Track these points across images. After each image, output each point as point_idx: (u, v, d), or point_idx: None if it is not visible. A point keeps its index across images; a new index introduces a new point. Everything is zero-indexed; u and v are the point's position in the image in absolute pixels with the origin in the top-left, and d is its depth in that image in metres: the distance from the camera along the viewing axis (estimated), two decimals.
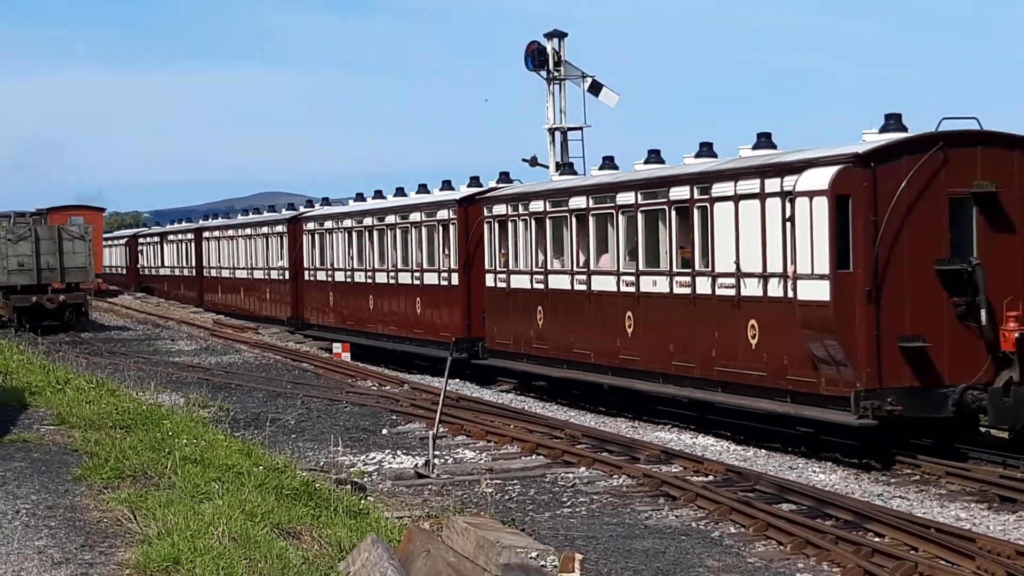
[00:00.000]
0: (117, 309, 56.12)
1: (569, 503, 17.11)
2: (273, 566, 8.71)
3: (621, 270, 25.69)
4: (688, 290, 23.45)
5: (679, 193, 23.82)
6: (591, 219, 26.90)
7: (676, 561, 13.81)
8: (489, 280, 31.06)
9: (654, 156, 26.62)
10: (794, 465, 20.11)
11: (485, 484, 17.83)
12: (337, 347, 38.44)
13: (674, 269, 23.95)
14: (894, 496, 17.59)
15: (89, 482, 11.56)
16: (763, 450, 21.52)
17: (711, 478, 18.44)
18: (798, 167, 20.70)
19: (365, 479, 18.10)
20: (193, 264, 61.21)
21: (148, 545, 9.07)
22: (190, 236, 61.20)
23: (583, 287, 27.12)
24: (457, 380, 31.09)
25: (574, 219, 27.51)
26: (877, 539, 14.52)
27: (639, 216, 25.22)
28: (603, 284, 26.42)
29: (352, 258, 40.07)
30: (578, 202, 27.45)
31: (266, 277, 49.60)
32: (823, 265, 19.70)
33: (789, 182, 20.61)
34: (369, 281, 38.45)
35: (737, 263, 21.99)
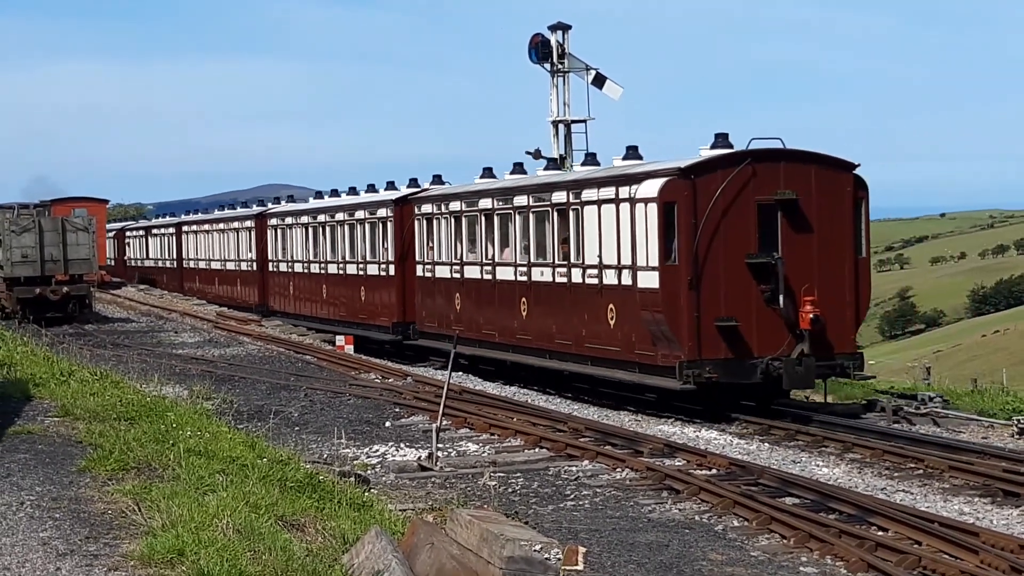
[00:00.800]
0: (120, 301, 56.14)
1: (572, 496, 17.12)
2: (277, 558, 8.71)
3: (518, 262, 29.88)
4: (566, 279, 27.65)
5: (559, 197, 28.09)
6: (496, 218, 31.13)
7: (679, 554, 13.81)
8: (419, 270, 35.31)
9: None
10: (797, 459, 20.12)
11: (488, 477, 17.84)
12: (340, 340, 38.48)
13: (556, 261, 28.11)
14: (897, 490, 17.59)
15: (93, 474, 11.57)
16: (766, 444, 21.56)
17: (714, 472, 18.45)
18: (639, 178, 24.96)
19: (369, 472, 18.11)
20: (175, 256, 66.16)
21: (152, 537, 9.08)
22: (172, 230, 66.01)
23: (489, 276, 31.26)
24: (395, 359, 35.92)
25: (483, 218, 31.67)
26: (881, 533, 14.52)
27: (531, 216, 29.42)
28: (505, 274, 30.54)
29: (308, 251, 44.54)
30: (486, 203, 31.62)
31: (236, 268, 54.25)
32: (654, 259, 24.06)
33: (633, 190, 24.85)
34: (322, 271, 43.18)
35: (600, 257, 25.98)
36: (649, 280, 24.34)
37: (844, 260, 24.83)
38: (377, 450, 20.50)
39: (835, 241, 24.70)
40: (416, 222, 35.61)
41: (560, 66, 40.84)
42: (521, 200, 29.82)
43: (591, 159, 30.61)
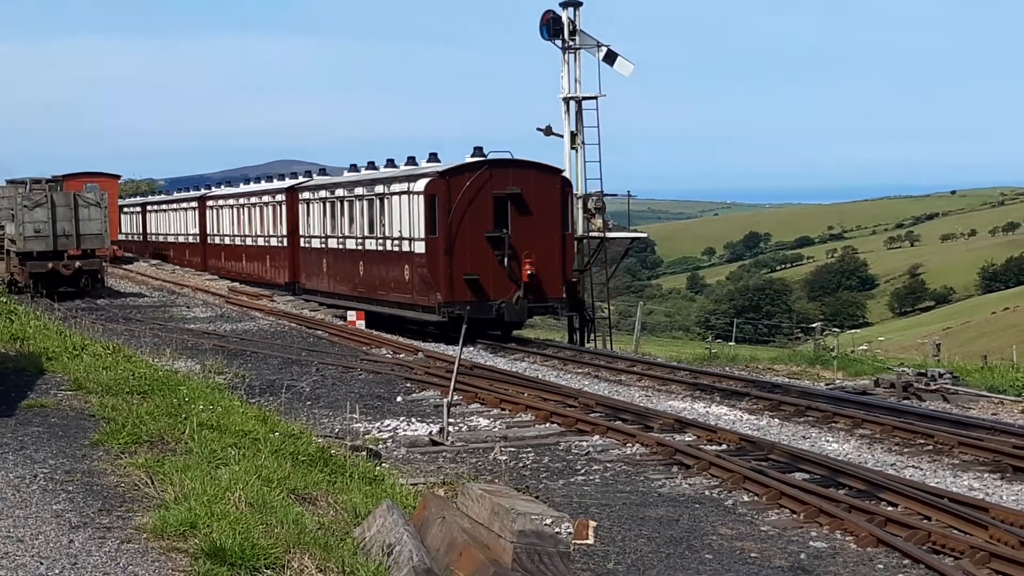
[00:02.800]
0: (132, 276, 56.23)
1: (583, 471, 17.16)
2: (289, 531, 8.75)
3: (357, 235, 40.97)
4: (382, 248, 38.83)
5: (378, 189, 39.22)
6: (346, 203, 41.98)
7: (689, 529, 13.85)
8: (302, 243, 46.77)
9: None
10: (807, 435, 20.15)
11: (499, 452, 17.89)
12: (351, 315, 38.59)
13: (376, 235, 39.27)
14: (907, 466, 17.61)
15: (106, 447, 11.61)
16: (776, 420, 21.61)
17: (724, 447, 18.48)
18: (416, 178, 36.73)
19: (380, 446, 18.17)
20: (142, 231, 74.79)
21: (165, 510, 9.12)
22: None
23: (342, 246, 42.32)
24: (289, 297, 46.12)
25: (339, 203, 42.62)
26: (890, 508, 14.55)
27: (364, 202, 40.23)
28: (351, 244, 41.56)
29: (234, 227, 57.21)
30: (340, 192, 42.75)
31: (186, 241, 65.83)
32: (422, 233, 35.58)
33: (412, 186, 36.37)
34: (242, 244, 55.96)
35: (400, 232, 37.23)
36: (421, 247, 35.86)
37: (554, 235, 36.03)
38: (388, 425, 20.55)
39: (548, 222, 35.85)
40: (299, 205, 47.16)
41: (571, 43, 40.76)
42: (359, 191, 40.76)
43: (390, 163, 42.65)
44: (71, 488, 10.04)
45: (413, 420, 20.99)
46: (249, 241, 54.30)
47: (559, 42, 40.85)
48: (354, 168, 47.11)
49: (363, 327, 37.10)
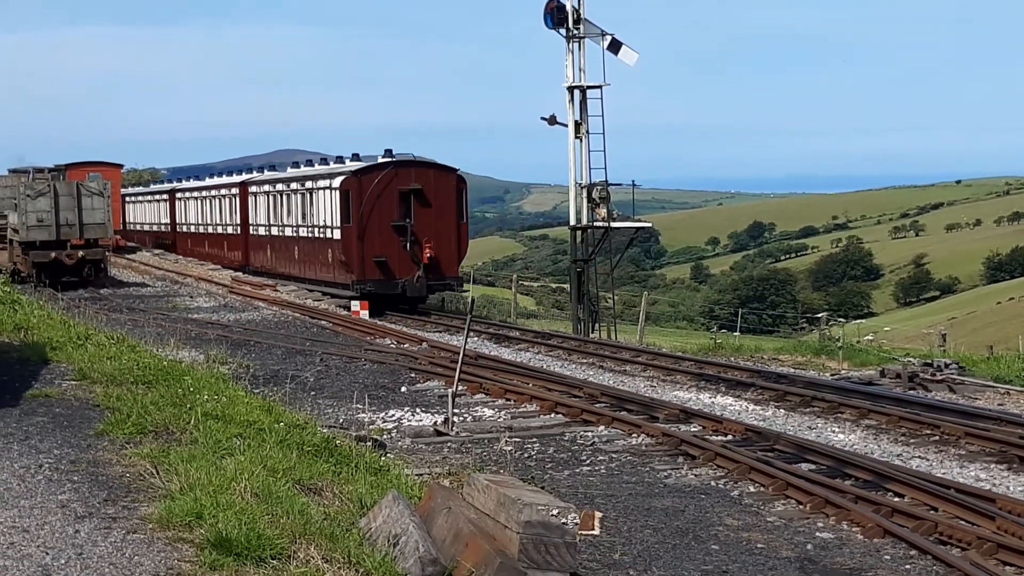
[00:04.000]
0: (135, 266, 56.25)
1: (588, 462, 17.13)
2: (295, 521, 8.72)
3: (292, 224, 47.88)
4: (311, 235, 45.41)
5: (308, 184, 45.88)
6: (284, 196, 48.90)
7: (695, 520, 13.83)
8: (252, 230, 53.75)
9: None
10: (813, 425, 20.12)
11: (504, 442, 17.86)
12: (356, 305, 38.62)
13: (306, 224, 45.80)
14: (913, 456, 17.57)
15: (111, 437, 11.58)
16: (782, 410, 21.58)
17: (730, 437, 18.46)
18: (334, 175, 43.11)
19: (385, 436, 18.15)
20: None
21: (171, 500, 9.09)
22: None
23: (281, 233, 49.34)
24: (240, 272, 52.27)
25: (279, 196, 49.47)
26: (896, 499, 14.52)
27: (298, 196, 47.10)
28: (289, 232, 48.40)
29: (199, 216, 63.54)
30: (280, 187, 49.75)
31: (159, 230, 71.93)
32: (339, 222, 41.76)
33: (331, 183, 42.76)
34: (203, 231, 62.73)
35: (323, 221, 43.58)
36: (338, 235, 42.16)
37: (451, 224, 41.99)
38: (393, 415, 20.53)
39: (445, 213, 41.87)
40: (249, 198, 53.84)
41: (575, 32, 40.68)
42: (295, 186, 47.69)
43: (323, 161, 50.40)
44: (76, 478, 10.01)
45: (418, 410, 20.97)
46: (211, 229, 60.96)
47: (563, 31, 40.78)
48: (295, 165, 53.86)
49: (367, 317, 37.09)
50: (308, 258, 45.63)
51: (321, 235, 43.94)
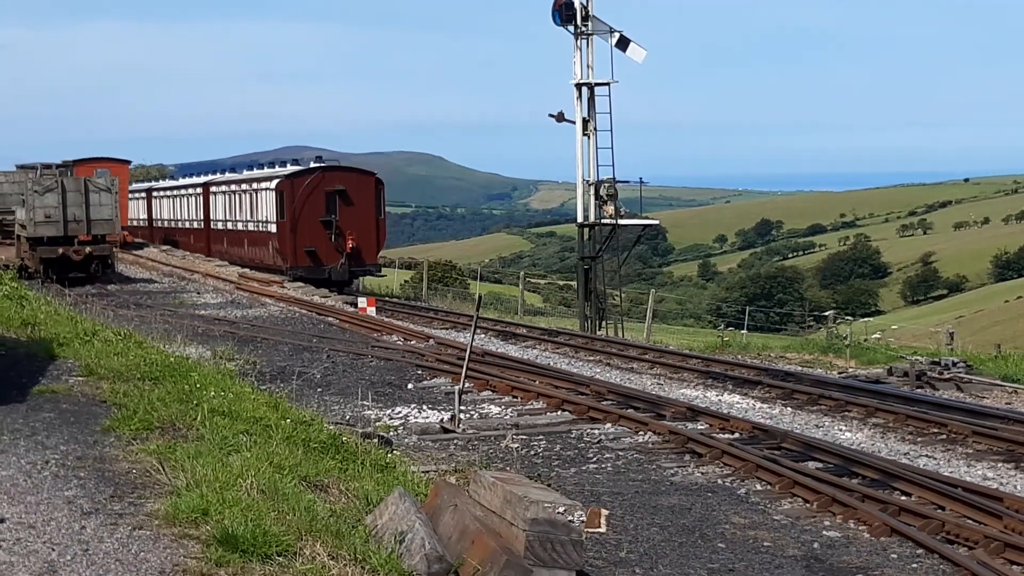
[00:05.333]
0: (143, 262, 56.28)
1: (595, 459, 17.11)
2: (301, 518, 8.71)
3: (242, 219, 54.72)
4: (256, 228, 52.37)
5: (255, 185, 52.85)
6: (236, 196, 56.04)
7: (702, 518, 13.81)
8: (213, 225, 60.15)
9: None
10: (820, 424, 20.10)
11: (511, 439, 17.85)
12: (362, 301, 38.59)
13: (253, 219, 52.83)
14: (920, 455, 17.54)
15: (118, 433, 11.57)
16: (788, 408, 21.55)
17: (737, 436, 18.43)
18: (273, 178, 50.47)
19: (391, 433, 18.14)
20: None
21: (177, 496, 9.08)
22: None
23: (233, 227, 56.28)
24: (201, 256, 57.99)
25: (233, 195, 56.55)
26: (903, 498, 14.49)
27: (247, 195, 53.81)
28: (239, 227, 55.38)
29: (171, 212, 70.19)
30: (233, 188, 56.88)
31: (140, 225, 76.14)
32: (274, 217, 49.20)
33: (270, 184, 50.06)
34: (176, 226, 68.63)
35: (265, 217, 50.74)
36: (275, 228, 49.46)
37: (370, 219, 49.01)
38: (400, 412, 20.52)
39: (366, 210, 48.76)
40: (210, 197, 60.65)
41: (583, 28, 40.64)
42: (244, 187, 54.73)
43: (271, 165, 56.83)
44: (83, 474, 10.01)
45: (424, 407, 20.95)
46: (181, 224, 68.12)
47: (571, 28, 40.74)
48: (249, 168, 61.19)
49: (374, 314, 37.08)
50: (254, 248, 53.04)
51: (263, 229, 51.50)
